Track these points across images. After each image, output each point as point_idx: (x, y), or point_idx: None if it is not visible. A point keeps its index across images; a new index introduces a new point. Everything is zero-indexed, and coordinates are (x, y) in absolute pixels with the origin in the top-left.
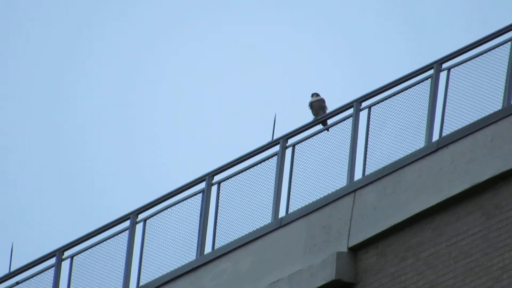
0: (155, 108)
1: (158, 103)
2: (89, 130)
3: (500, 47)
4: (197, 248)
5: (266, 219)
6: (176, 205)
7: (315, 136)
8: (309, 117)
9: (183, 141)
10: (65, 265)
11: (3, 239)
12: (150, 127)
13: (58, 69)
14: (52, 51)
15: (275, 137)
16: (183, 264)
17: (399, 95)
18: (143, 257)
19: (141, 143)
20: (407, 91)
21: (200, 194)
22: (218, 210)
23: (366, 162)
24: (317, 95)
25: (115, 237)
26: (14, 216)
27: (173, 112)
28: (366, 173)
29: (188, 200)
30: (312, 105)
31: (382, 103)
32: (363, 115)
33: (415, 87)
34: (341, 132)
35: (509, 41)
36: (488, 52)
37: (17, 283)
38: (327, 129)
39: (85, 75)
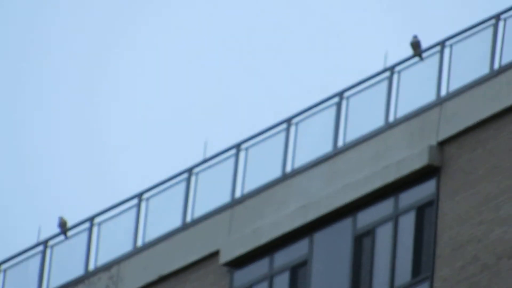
0: None
1: None
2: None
3: None
4: (333, 142)
5: (379, 123)
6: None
7: None
8: None
9: None
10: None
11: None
12: None
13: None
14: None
15: None
16: (322, 154)
17: None
18: (296, 151)
19: None
20: None
21: (334, 107)
22: (347, 118)
23: (450, 81)
24: None
25: (274, 137)
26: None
27: None
28: (449, 90)
29: (323, 112)
30: None
31: None
32: None
33: None
34: None
35: None
36: None
37: (209, 166)
38: None
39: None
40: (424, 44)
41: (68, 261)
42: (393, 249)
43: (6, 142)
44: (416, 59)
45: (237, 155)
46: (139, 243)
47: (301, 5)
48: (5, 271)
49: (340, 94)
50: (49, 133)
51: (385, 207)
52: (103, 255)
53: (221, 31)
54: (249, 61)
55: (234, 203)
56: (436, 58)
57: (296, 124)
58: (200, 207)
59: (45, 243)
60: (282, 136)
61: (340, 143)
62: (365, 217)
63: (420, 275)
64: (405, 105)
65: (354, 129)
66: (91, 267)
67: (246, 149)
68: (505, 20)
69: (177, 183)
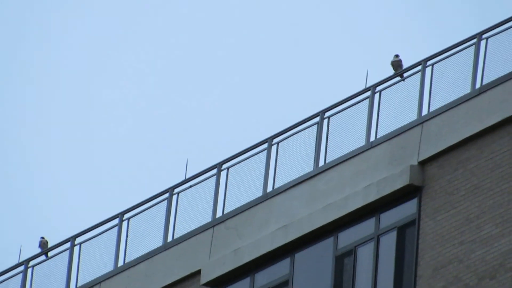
0: None
1: None
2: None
3: None
4: (314, 162)
5: (361, 142)
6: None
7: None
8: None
9: None
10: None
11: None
12: None
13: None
14: None
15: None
16: (303, 173)
17: None
18: (277, 171)
19: None
20: None
21: (315, 126)
22: (328, 138)
23: (431, 101)
24: None
25: (255, 157)
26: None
27: None
28: (430, 109)
29: (304, 131)
30: None
31: None
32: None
33: None
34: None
35: None
36: None
37: (190, 186)
38: None
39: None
40: (405, 63)
41: (49, 281)
42: (375, 269)
43: None
44: (397, 78)
45: (218, 175)
46: (120, 263)
47: (282, 26)
48: None
49: (321, 114)
50: (29, 154)
51: (366, 227)
52: (84, 275)
53: (203, 52)
54: (230, 81)
55: (215, 222)
56: (418, 77)
57: (277, 143)
58: (181, 227)
59: (26, 263)
60: (263, 155)
61: (321, 162)
62: (346, 237)
63: None
64: (386, 125)
65: (335, 149)
66: (72, 287)
67: (227, 168)
68: (486, 39)
69: (158, 203)
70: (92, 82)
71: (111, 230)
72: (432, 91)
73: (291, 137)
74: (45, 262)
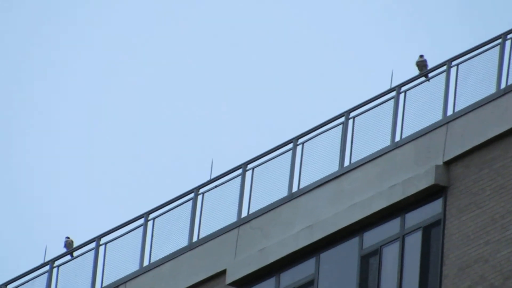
0: None
1: None
2: None
3: None
4: (339, 162)
5: (386, 143)
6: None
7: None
8: None
9: None
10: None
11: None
12: None
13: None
14: None
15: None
16: (328, 173)
17: None
18: (302, 171)
19: None
20: None
21: (340, 127)
22: (353, 138)
23: (456, 101)
24: None
25: (280, 157)
26: None
27: None
28: (456, 110)
29: (329, 132)
30: None
31: None
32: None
33: None
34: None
35: None
36: None
37: (216, 186)
38: None
39: None
40: (430, 64)
41: (75, 281)
42: (400, 269)
43: (12, 162)
44: (422, 78)
45: (243, 175)
46: (146, 263)
47: (307, 25)
48: None
49: (346, 114)
50: (55, 154)
51: (391, 227)
52: (109, 275)
53: (228, 52)
54: (255, 81)
55: (241, 223)
56: (443, 77)
57: (302, 144)
58: (206, 227)
59: (51, 262)
60: (289, 156)
61: (347, 162)
62: (372, 237)
63: None
64: (411, 125)
65: (360, 149)
66: (98, 287)
67: (253, 169)
68: (511, 39)
69: (183, 203)
70: (113, 80)
71: (136, 230)
72: (457, 91)
73: (316, 137)
74: (70, 262)
